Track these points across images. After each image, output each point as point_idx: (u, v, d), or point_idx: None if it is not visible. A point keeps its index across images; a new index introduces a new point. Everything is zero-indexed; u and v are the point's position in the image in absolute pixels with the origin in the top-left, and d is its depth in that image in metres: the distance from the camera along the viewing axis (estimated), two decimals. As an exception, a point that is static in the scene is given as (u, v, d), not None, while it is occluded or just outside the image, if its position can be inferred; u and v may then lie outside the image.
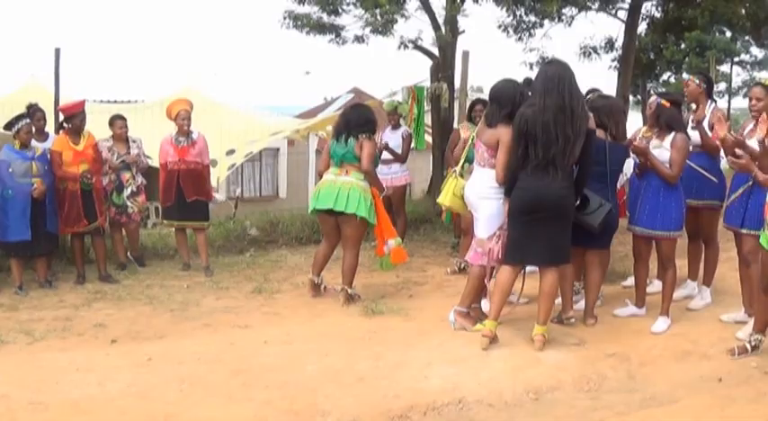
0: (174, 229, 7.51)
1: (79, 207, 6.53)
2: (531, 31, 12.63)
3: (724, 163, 5.70)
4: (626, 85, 12.78)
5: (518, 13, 11.97)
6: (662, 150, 5.16)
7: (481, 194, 5.01)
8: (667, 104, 5.26)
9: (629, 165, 5.65)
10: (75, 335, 5.24)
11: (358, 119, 5.90)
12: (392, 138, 8.16)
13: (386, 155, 8.04)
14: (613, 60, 14.30)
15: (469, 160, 5.52)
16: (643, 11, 13.03)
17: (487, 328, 4.75)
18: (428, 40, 10.31)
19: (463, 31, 10.26)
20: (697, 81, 5.75)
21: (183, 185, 7.07)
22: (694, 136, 5.50)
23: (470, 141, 5.56)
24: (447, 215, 7.31)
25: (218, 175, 10.31)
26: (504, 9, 11.54)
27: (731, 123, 6.51)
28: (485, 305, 5.26)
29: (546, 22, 12.23)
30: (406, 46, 10.12)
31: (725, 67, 27.37)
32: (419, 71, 25.42)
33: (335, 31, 10.85)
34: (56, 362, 4.60)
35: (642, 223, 5.26)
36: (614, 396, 4.26)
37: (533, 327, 4.80)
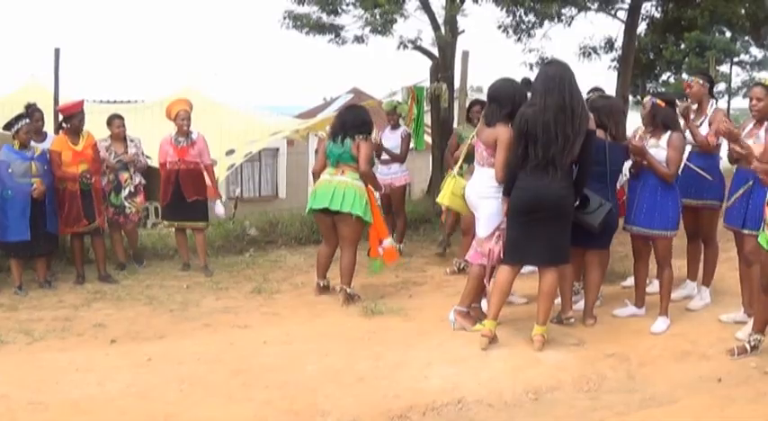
0: (174, 230, 7.51)
1: (79, 207, 6.53)
2: (531, 31, 12.63)
3: (723, 163, 5.72)
4: (625, 86, 12.79)
5: (517, 13, 11.97)
6: (659, 150, 5.18)
7: (481, 194, 5.01)
8: (662, 104, 5.28)
9: (627, 166, 5.65)
10: (75, 335, 5.24)
11: (354, 120, 5.93)
12: (391, 138, 8.16)
13: (386, 155, 8.05)
14: (613, 60, 14.31)
15: (469, 160, 5.53)
16: (643, 11, 13.05)
17: (487, 328, 4.75)
18: (428, 40, 10.33)
19: (463, 31, 10.26)
20: (701, 81, 5.76)
21: (182, 185, 7.07)
22: (688, 134, 5.53)
23: (469, 141, 5.57)
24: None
25: (217, 175, 10.31)
26: (504, 9, 11.55)
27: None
28: (485, 305, 5.26)
29: (545, 22, 12.23)
30: (405, 46, 10.13)
31: (724, 68, 27.39)
32: (419, 71, 25.50)
33: (335, 31, 10.86)
34: (55, 362, 4.60)
35: (640, 223, 5.26)
36: (614, 396, 4.26)
37: (533, 328, 4.80)
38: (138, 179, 7.35)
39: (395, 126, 8.28)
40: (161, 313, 5.81)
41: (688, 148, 5.74)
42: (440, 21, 10.20)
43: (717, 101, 5.88)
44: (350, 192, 5.78)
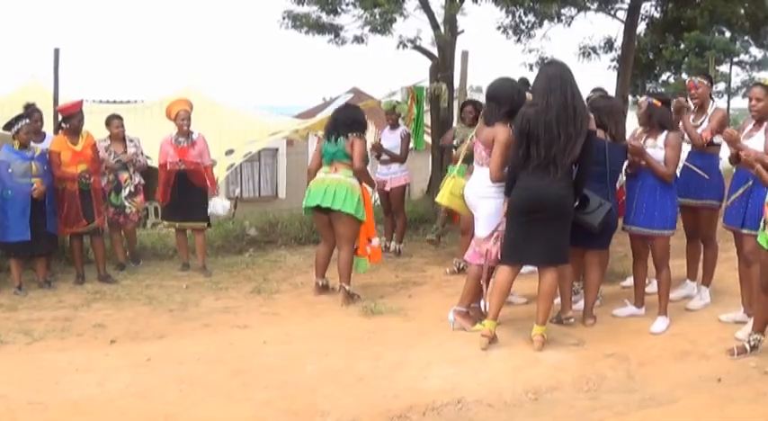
0: (174, 230, 7.51)
1: (78, 207, 6.52)
2: (531, 31, 12.63)
3: (723, 163, 5.72)
4: (625, 86, 12.78)
5: (517, 13, 11.96)
6: (656, 149, 5.19)
7: (480, 194, 5.01)
8: (658, 104, 5.30)
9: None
10: (75, 335, 5.24)
11: (345, 119, 6.04)
12: (390, 138, 8.16)
13: (385, 155, 8.05)
14: (612, 60, 14.28)
15: (468, 161, 5.53)
16: (642, 11, 13.03)
17: (487, 328, 4.75)
18: (427, 39, 10.33)
19: (462, 31, 10.26)
20: (705, 82, 5.78)
21: (182, 186, 7.07)
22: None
23: (468, 141, 5.57)
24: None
25: (217, 175, 10.32)
26: (504, 9, 11.54)
27: (730, 123, 6.51)
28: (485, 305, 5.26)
29: (545, 22, 12.23)
30: (405, 45, 10.12)
31: (724, 68, 27.37)
32: (418, 71, 25.46)
33: (334, 30, 10.85)
34: (55, 362, 4.60)
35: (640, 223, 5.27)
36: (613, 396, 4.26)
37: (532, 328, 4.80)
38: (137, 179, 7.35)
39: (394, 126, 8.27)
40: (160, 313, 5.82)
41: (687, 148, 5.76)
42: (439, 20, 10.20)
43: (714, 102, 5.89)
44: (341, 189, 5.83)
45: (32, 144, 6.43)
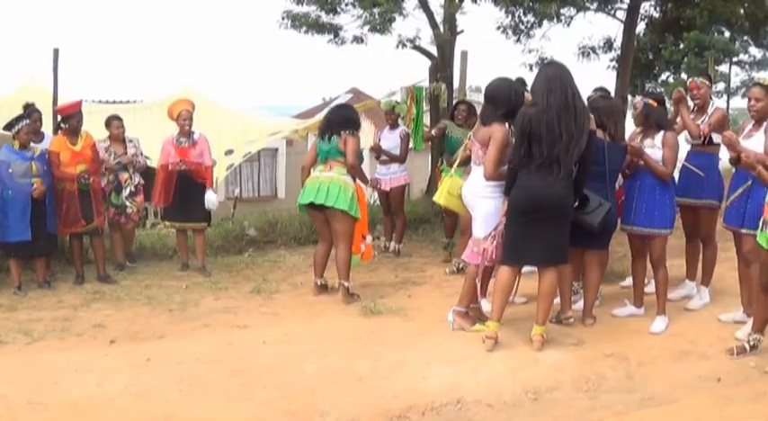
0: (174, 230, 7.51)
1: (77, 207, 6.52)
2: (530, 31, 12.63)
3: (723, 163, 5.72)
4: (624, 86, 12.79)
5: (516, 13, 11.97)
6: (654, 149, 5.20)
7: (478, 193, 5.01)
8: (654, 104, 5.31)
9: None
10: (74, 335, 5.24)
11: (338, 118, 6.13)
12: (390, 138, 8.15)
13: (385, 155, 8.05)
14: (612, 60, 14.29)
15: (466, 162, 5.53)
16: (641, 11, 13.05)
17: (491, 330, 4.73)
18: (426, 39, 10.34)
19: (462, 31, 10.26)
20: (707, 82, 5.79)
21: (183, 186, 7.06)
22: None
23: (466, 142, 5.57)
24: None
25: (216, 175, 10.30)
26: (503, 9, 11.54)
27: (729, 123, 6.52)
28: (485, 305, 5.26)
29: (544, 22, 12.23)
30: (404, 45, 10.13)
31: (723, 67, 27.40)
32: (418, 71, 25.49)
33: (334, 30, 10.85)
34: (55, 362, 4.60)
35: (640, 222, 5.27)
36: (613, 396, 4.26)
37: (532, 328, 4.80)
38: (137, 179, 7.35)
39: (393, 126, 8.27)
40: (160, 313, 5.81)
41: (687, 148, 5.76)
42: (438, 19, 10.20)
43: (714, 102, 5.90)
44: (335, 186, 5.87)
45: (32, 144, 6.43)
